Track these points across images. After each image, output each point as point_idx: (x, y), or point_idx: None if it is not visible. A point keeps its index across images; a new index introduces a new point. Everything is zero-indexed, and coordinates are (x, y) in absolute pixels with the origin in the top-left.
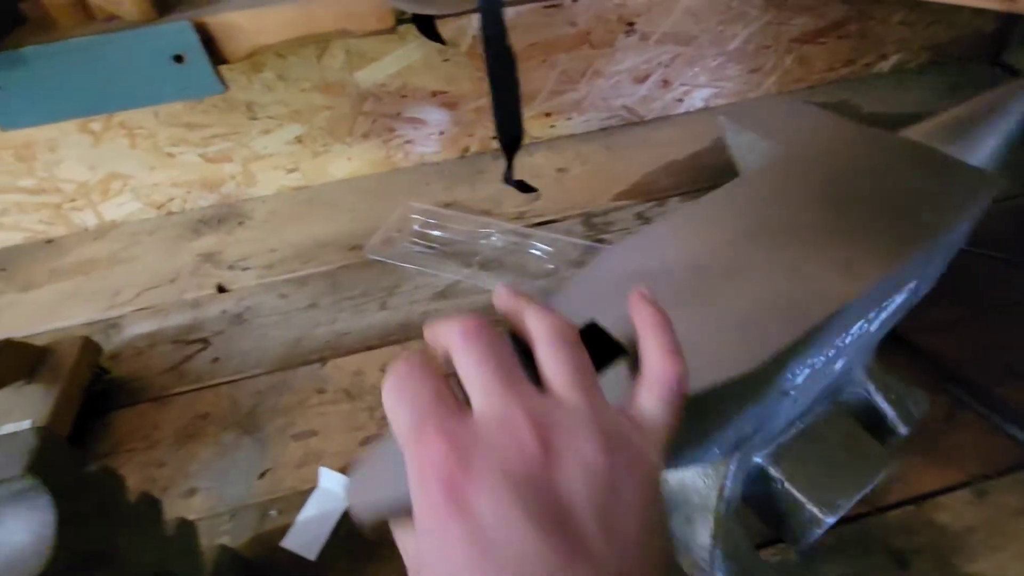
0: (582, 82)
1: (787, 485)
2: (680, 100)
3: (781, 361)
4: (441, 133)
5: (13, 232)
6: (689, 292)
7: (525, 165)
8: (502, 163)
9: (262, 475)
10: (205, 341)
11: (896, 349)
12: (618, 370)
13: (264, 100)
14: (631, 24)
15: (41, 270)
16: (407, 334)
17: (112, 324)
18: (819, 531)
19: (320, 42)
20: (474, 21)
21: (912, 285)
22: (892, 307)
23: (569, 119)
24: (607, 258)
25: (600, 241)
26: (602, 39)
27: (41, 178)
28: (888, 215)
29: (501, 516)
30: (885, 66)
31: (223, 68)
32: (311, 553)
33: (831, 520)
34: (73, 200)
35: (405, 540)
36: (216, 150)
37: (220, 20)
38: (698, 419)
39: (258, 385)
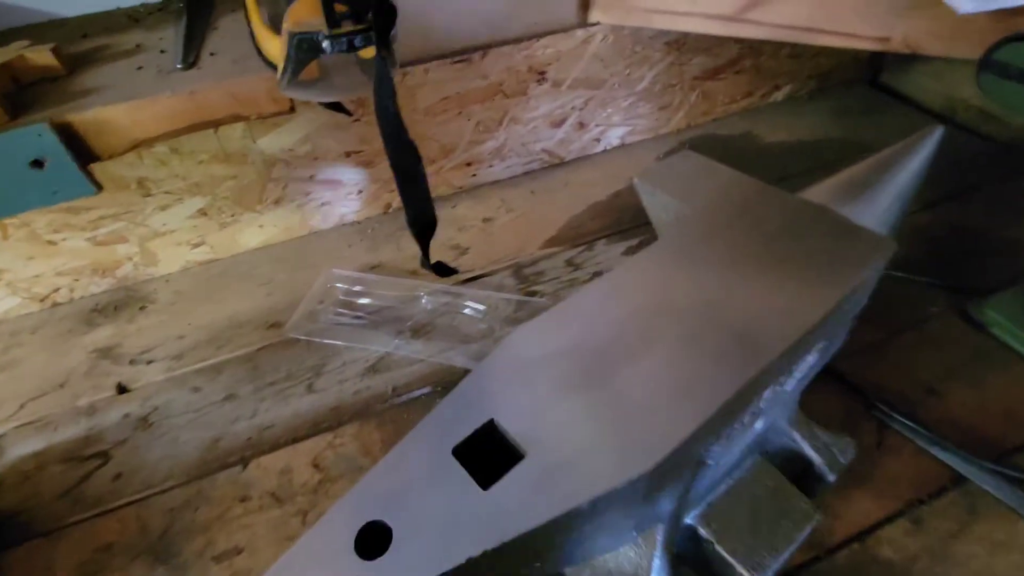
0: (500, 130)
1: (717, 547)
2: (597, 140)
3: (684, 449)
4: (360, 192)
5: None
6: (590, 379)
7: (450, 218)
8: None
9: None
10: (105, 455)
11: (819, 378)
12: (518, 475)
13: (158, 176)
14: (542, 73)
15: None
16: (339, 419)
17: None
18: None
19: (206, 128)
20: None
21: (821, 345)
22: (804, 367)
23: (491, 166)
24: (514, 342)
25: (532, 293)
26: (515, 89)
27: None
28: (791, 282)
29: None
30: (779, 96)
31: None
32: None
33: None
34: None
35: None
36: (107, 232)
37: (88, 117)
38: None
39: (170, 501)
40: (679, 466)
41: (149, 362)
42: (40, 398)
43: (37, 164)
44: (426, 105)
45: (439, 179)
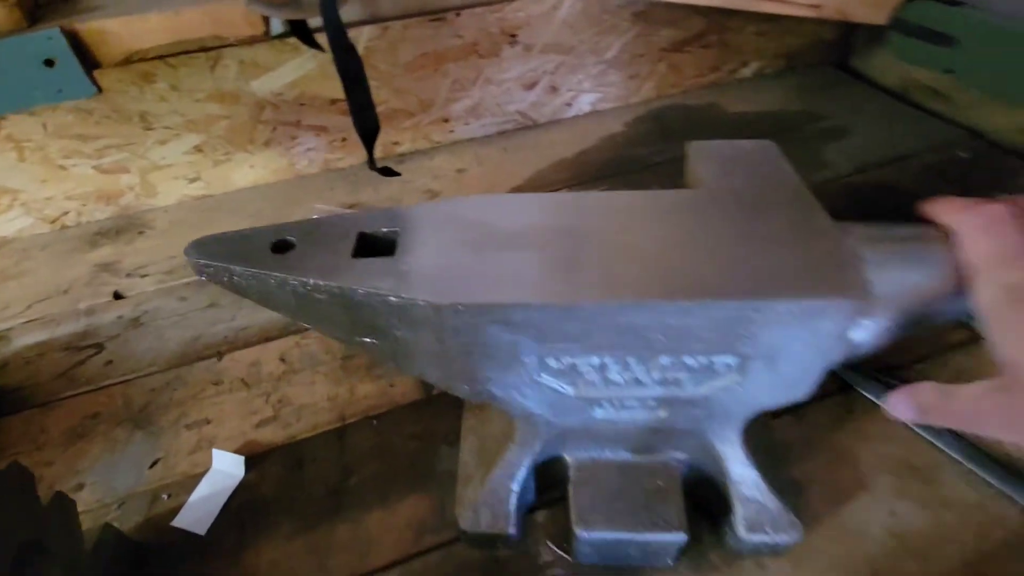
0: (474, 89)
1: (569, 486)
2: (569, 105)
3: (545, 325)
4: (344, 139)
5: None
6: (492, 242)
7: (426, 167)
8: (405, 166)
9: (153, 464)
10: (99, 346)
11: None
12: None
13: (158, 110)
14: (513, 36)
15: None
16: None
17: None
18: (578, 538)
19: (198, 47)
20: (363, 33)
21: (731, 362)
22: (715, 378)
23: (467, 124)
24: (454, 202)
25: None
26: (488, 49)
27: None
28: (737, 262)
29: None
30: (747, 72)
31: (112, 77)
32: (201, 529)
33: (582, 534)
34: None
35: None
36: (111, 161)
37: (91, 27)
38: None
39: (152, 383)
40: (498, 347)
41: (143, 275)
42: (45, 300)
43: (48, 63)
44: (405, 60)
45: (418, 133)
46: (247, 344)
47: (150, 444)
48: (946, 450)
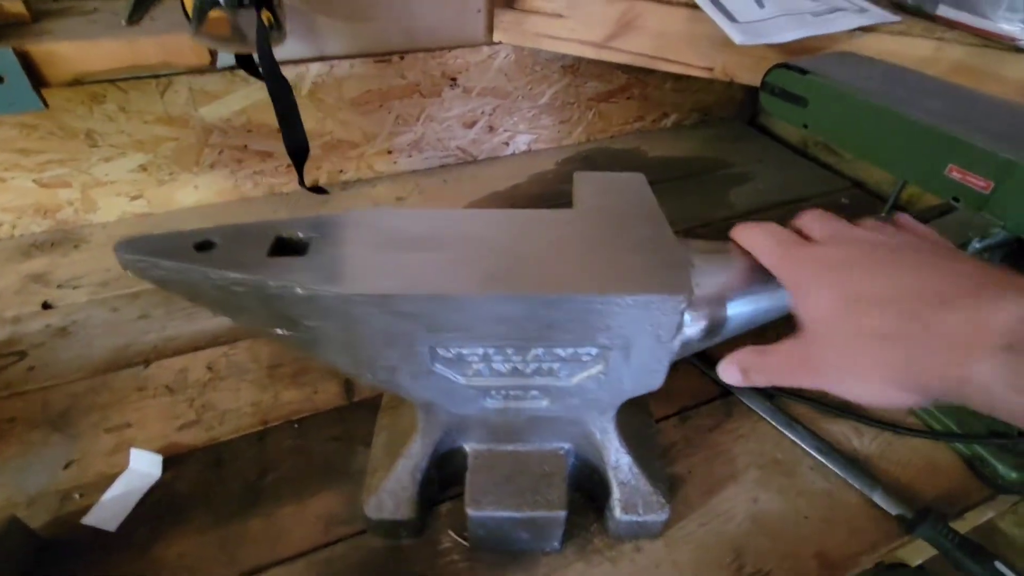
0: (417, 124)
1: (467, 474)
2: (506, 144)
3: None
4: (288, 166)
5: None
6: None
7: (368, 195)
8: (348, 193)
9: (67, 465)
10: (22, 353)
11: None
12: (292, 261)
13: (105, 129)
14: (454, 79)
15: None
16: (236, 336)
17: None
18: (470, 518)
19: (148, 74)
20: (310, 69)
21: (594, 351)
22: (583, 368)
23: (410, 156)
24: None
25: None
26: (430, 90)
27: None
28: (595, 265)
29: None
30: (668, 122)
31: (61, 96)
32: (112, 526)
33: (473, 513)
34: None
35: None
36: (52, 175)
37: (42, 48)
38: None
39: (75, 389)
40: (393, 337)
41: (75, 287)
42: None
43: None
44: (351, 96)
45: (362, 163)
46: (176, 352)
47: (66, 447)
48: (804, 447)
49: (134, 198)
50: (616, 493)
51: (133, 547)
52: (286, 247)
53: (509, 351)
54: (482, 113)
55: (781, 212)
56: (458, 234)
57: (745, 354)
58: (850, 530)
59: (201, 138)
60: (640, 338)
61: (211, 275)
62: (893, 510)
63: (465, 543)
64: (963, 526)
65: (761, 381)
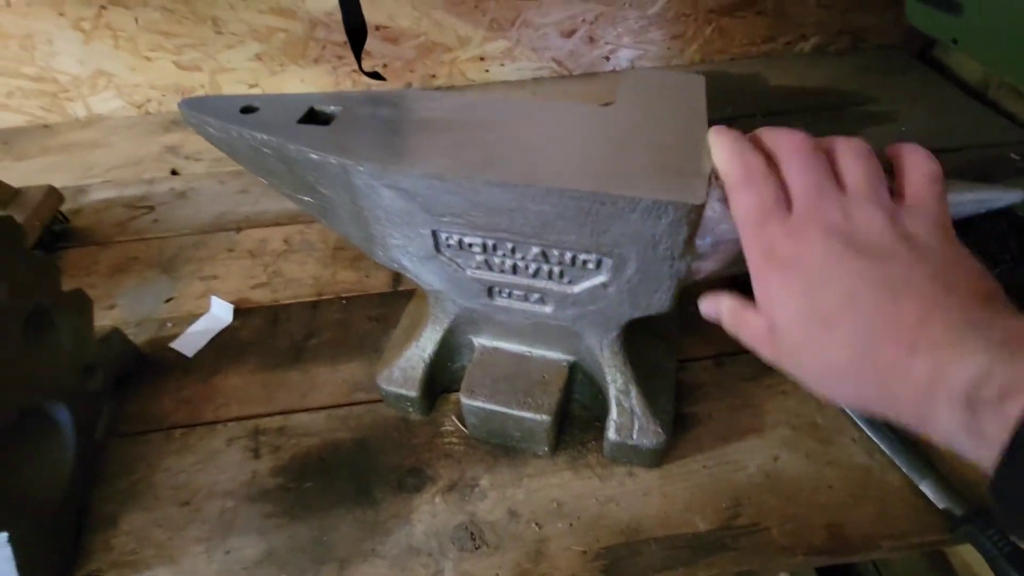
0: (512, 30)
1: (469, 364)
2: (607, 58)
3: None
4: (384, 65)
5: (17, 115)
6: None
7: None
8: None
9: (168, 300)
10: (151, 207)
11: None
12: (316, 129)
13: (227, 17)
14: None
15: (34, 147)
16: (312, 218)
17: (81, 189)
18: (463, 405)
19: None
20: None
21: (593, 259)
22: (584, 277)
23: (503, 65)
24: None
25: None
26: None
27: (41, 67)
28: (602, 162)
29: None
30: (806, 46)
31: None
32: (190, 352)
33: (465, 401)
34: (67, 91)
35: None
36: (187, 59)
37: None
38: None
39: (183, 242)
40: (403, 218)
41: (197, 160)
42: (120, 168)
43: None
44: None
45: (454, 68)
46: (261, 224)
47: (169, 286)
48: (853, 416)
49: (251, 86)
50: (613, 413)
51: (202, 372)
52: (316, 118)
53: (509, 245)
54: (583, 21)
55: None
56: (477, 120)
57: (725, 303)
58: (880, 512)
59: (307, 31)
60: (642, 250)
61: (244, 135)
62: (941, 503)
63: (464, 429)
64: None
65: (732, 333)
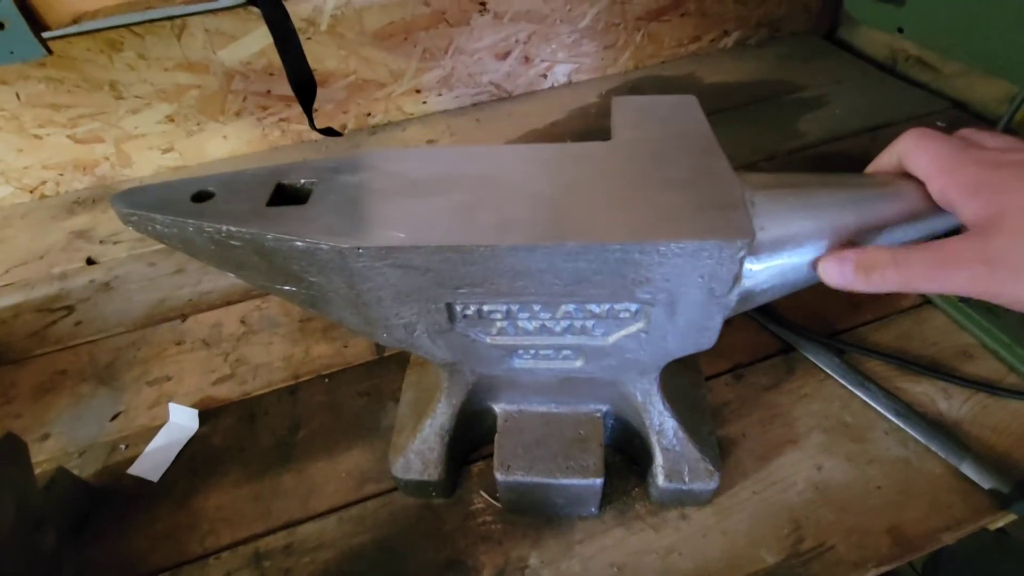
0: (445, 58)
1: (496, 436)
2: (544, 76)
3: (443, 268)
4: (316, 109)
5: None
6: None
7: (398, 139)
8: (377, 138)
9: (114, 417)
10: (69, 308)
11: None
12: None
13: (127, 79)
14: (483, 3)
15: None
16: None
17: None
18: (498, 482)
19: (144, 6)
20: (328, 1)
21: (633, 308)
22: (621, 326)
23: (440, 95)
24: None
25: None
26: (458, 17)
27: None
28: (630, 207)
29: None
30: (728, 42)
31: (80, 46)
32: (155, 476)
33: (501, 478)
34: None
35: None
36: (85, 131)
37: None
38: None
39: (118, 342)
40: (409, 292)
41: (116, 243)
42: (22, 266)
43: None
44: (373, 29)
45: (390, 104)
46: (210, 307)
47: (112, 399)
48: (879, 409)
49: (166, 151)
50: (659, 459)
51: (174, 498)
52: (287, 196)
53: (536, 307)
54: (516, 42)
55: (864, 140)
56: (473, 175)
57: (871, 251)
58: (931, 503)
59: (223, 84)
60: (688, 292)
61: (206, 228)
62: (986, 483)
63: (497, 504)
64: None
65: (892, 282)
